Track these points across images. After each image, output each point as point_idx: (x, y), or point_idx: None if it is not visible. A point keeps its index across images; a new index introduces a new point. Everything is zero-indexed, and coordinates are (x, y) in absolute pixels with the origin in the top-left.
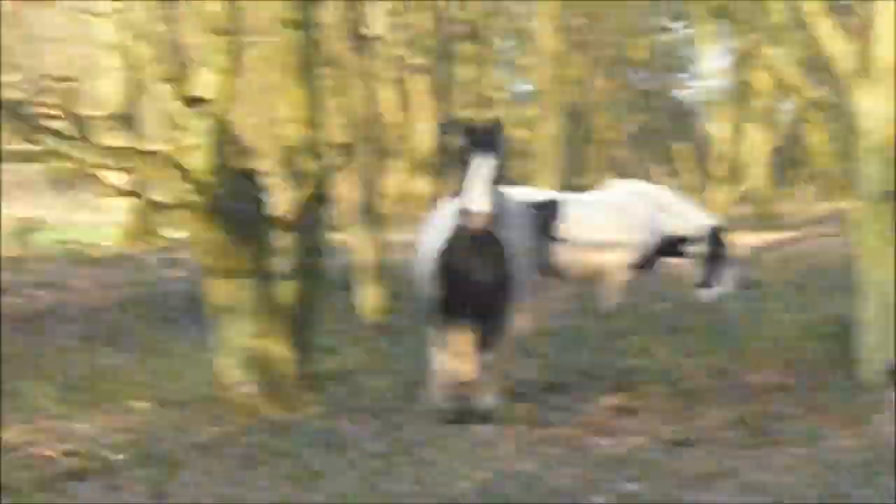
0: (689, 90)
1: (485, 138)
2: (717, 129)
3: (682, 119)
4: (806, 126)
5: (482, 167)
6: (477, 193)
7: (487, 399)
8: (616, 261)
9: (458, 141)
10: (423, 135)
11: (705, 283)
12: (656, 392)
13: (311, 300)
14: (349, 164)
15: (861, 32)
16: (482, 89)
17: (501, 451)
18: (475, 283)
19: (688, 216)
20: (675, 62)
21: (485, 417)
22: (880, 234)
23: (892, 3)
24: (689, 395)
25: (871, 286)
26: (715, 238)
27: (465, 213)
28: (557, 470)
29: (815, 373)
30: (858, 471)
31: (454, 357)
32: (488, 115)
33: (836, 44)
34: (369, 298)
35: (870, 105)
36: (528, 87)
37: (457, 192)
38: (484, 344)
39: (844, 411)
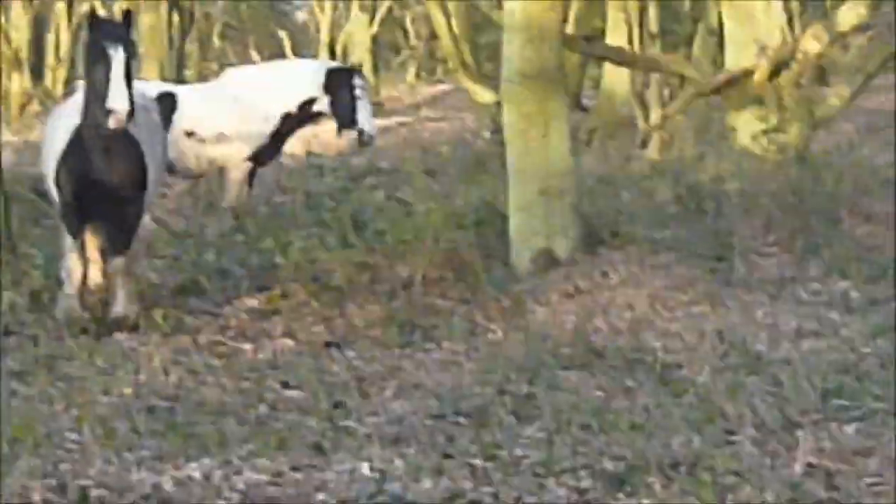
0: None
1: (116, 32)
2: (318, 12)
3: (280, 4)
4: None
5: (117, 62)
6: (117, 91)
7: (124, 306)
8: (234, 153)
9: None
10: (18, 29)
11: (346, 125)
12: (297, 291)
13: None
14: None
15: None
16: None
17: (144, 363)
18: (107, 184)
19: (302, 84)
20: None
21: (122, 325)
22: (527, 116)
23: None
24: (333, 293)
25: (520, 170)
26: (340, 81)
27: (104, 111)
28: (205, 379)
29: (466, 264)
30: (525, 365)
31: (87, 263)
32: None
33: None
34: None
35: None
36: None
37: (85, 89)
38: (117, 247)
39: (500, 302)
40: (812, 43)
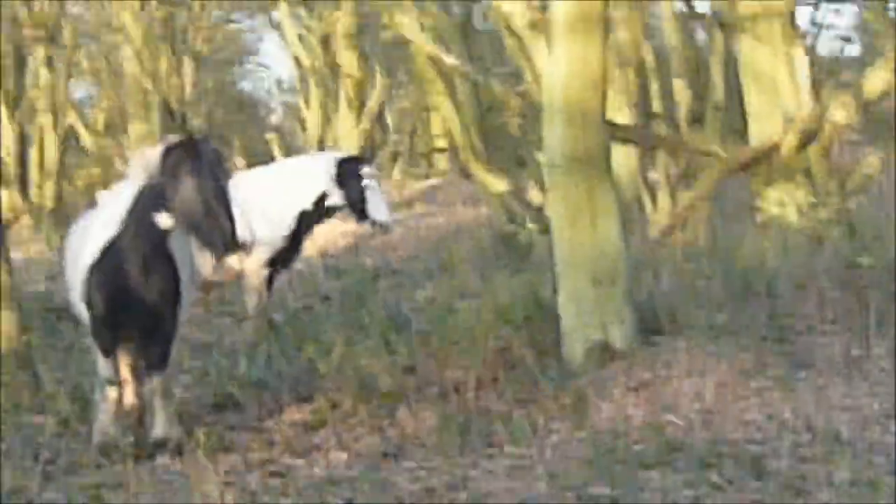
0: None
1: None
2: (307, 114)
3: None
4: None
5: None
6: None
7: (164, 428)
8: (252, 259)
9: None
10: (4, 144)
11: (361, 217)
12: (343, 399)
13: None
14: None
15: None
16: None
17: (196, 486)
18: (142, 298)
19: (313, 180)
20: (246, 51)
21: (165, 449)
22: (574, 202)
23: None
24: (381, 400)
25: (567, 260)
26: (350, 171)
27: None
28: (262, 500)
29: (518, 362)
30: (601, 466)
31: (122, 383)
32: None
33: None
34: (2, 325)
35: (550, 65)
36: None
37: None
38: (153, 366)
39: (559, 400)
40: (840, 112)
